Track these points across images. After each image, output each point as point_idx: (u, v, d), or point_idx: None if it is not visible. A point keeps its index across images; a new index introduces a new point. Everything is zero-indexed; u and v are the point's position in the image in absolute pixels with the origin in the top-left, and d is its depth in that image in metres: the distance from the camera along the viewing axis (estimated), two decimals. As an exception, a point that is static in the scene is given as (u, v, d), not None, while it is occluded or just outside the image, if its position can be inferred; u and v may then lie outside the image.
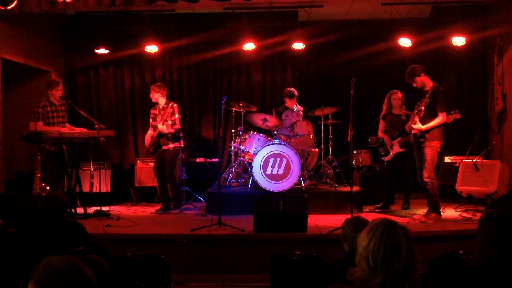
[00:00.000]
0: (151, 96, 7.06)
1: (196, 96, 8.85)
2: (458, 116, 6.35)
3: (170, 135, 6.89)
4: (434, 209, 5.98)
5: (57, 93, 6.72)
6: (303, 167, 7.04)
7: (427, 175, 5.92)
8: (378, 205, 7.00)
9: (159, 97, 6.98)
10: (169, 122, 6.88)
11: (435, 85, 5.97)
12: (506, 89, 7.62)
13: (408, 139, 6.40)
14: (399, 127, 6.71)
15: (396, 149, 6.72)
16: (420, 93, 6.16)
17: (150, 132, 7.01)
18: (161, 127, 6.81)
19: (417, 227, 5.66)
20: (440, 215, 6.02)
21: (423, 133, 5.94)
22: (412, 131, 6.03)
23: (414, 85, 6.08)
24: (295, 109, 7.65)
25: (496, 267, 2.50)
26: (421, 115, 5.89)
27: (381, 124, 7.07)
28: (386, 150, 6.87)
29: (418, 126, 5.89)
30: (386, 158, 6.90)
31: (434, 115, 5.89)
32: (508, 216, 2.65)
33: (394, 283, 1.84)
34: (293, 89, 7.68)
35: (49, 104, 6.67)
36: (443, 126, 6.07)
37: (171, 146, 6.95)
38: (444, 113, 5.89)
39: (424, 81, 6.02)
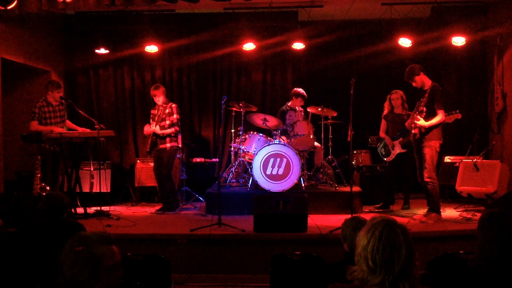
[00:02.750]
0: (157, 100, 6.99)
1: (196, 96, 8.85)
2: (459, 116, 6.31)
3: (163, 135, 6.90)
4: (434, 209, 5.98)
5: (58, 94, 6.72)
6: (303, 167, 7.04)
7: (428, 175, 5.92)
8: (378, 205, 7.00)
9: (163, 98, 7.00)
10: (167, 122, 6.88)
11: (433, 84, 5.98)
12: (506, 89, 7.62)
13: (409, 139, 6.39)
14: (400, 127, 6.70)
15: (398, 149, 6.71)
16: (420, 93, 6.16)
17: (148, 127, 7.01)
18: (154, 128, 6.84)
19: (417, 227, 5.66)
20: (440, 215, 6.02)
21: (422, 133, 5.94)
22: (413, 131, 6.02)
23: (414, 84, 6.08)
24: (297, 109, 7.65)
25: (496, 266, 2.50)
26: (423, 116, 5.87)
27: (383, 124, 7.06)
28: (388, 151, 6.86)
29: (422, 122, 5.86)
30: (388, 159, 6.88)
31: (433, 114, 5.89)
32: (508, 216, 2.66)
33: (393, 283, 1.84)
34: (302, 91, 7.63)
35: (47, 105, 6.66)
36: (442, 125, 6.06)
37: (168, 145, 6.95)
38: (443, 111, 5.89)
39: (423, 81, 6.02)
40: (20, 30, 7.53)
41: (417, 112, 5.95)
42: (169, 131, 6.90)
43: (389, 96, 7.00)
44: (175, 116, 6.92)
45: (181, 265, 5.15)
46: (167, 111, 6.91)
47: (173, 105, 6.99)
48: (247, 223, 5.67)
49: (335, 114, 7.40)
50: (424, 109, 5.88)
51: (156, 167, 7.07)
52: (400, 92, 6.91)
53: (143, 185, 8.03)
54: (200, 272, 5.23)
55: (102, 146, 6.80)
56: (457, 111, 6.32)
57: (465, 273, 2.59)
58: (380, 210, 6.89)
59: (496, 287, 2.48)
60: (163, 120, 6.87)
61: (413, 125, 6.00)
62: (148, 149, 7.05)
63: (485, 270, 2.52)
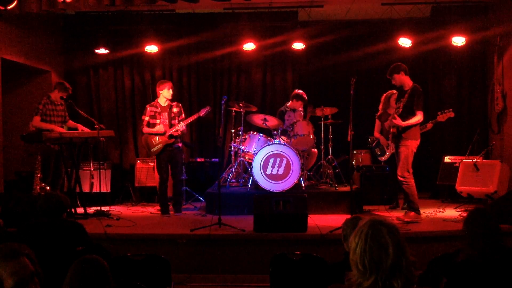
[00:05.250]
0: (167, 94, 6.74)
1: (196, 96, 8.85)
2: (452, 114, 6.37)
3: (182, 133, 6.81)
4: (412, 208, 5.95)
5: (60, 95, 6.73)
6: (303, 167, 7.04)
7: (400, 173, 5.91)
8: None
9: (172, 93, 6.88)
10: (176, 121, 6.79)
11: (414, 85, 5.95)
12: (506, 89, 7.62)
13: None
14: None
15: (392, 149, 6.71)
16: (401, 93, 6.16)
17: (158, 127, 6.67)
18: (183, 127, 6.69)
19: (417, 227, 5.66)
20: (419, 214, 5.98)
21: (400, 132, 5.93)
22: (391, 130, 6.02)
23: (393, 81, 6.07)
24: (297, 110, 7.65)
25: (482, 259, 2.55)
26: (399, 112, 5.84)
27: (377, 124, 7.08)
28: (383, 150, 6.88)
29: (398, 121, 5.84)
30: (383, 158, 6.91)
31: (412, 114, 5.86)
32: (490, 212, 2.77)
33: (386, 282, 1.84)
34: (303, 93, 7.63)
35: (50, 102, 6.69)
36: (419, 125, 6.07)
37: (180, 144, 6.88)
38: (421, 112, 5.86)
39: (403, 80, 5.99)
40: (20, 30, 7.53)
41: (393, 110, 5.94)
42: (185, 129, 6.85)
43: (385, 96, 7.01)
44: (183, 115, 6.90)
45: (181, 265, 5.15)
46: (174, 110, 6.80)
47: (179, 104, 6.96)
48: (247, 223, 5.67)
49: (336, 110, 7.40)
50: (401, 105, 5.85)
51: (164, 166, 6.75)
52: (396, 93, 6.93)
53: (143, 185, 8.03)
54: (200, 272, 5.23)
55: (102, 146, 6.79)
56: (450, 110, 6.36)
57: (453, 267, 2.63)
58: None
59: (483, 279, 2.52)
60: (173, 118, 6.79)
61: (391, 125, 6.00)
62: (160, 149, 6.65)
63: (476, 261, 2.56)
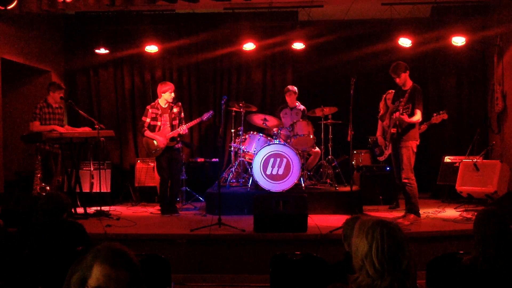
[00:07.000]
0: (169, 96, 6.72)
1: (196, 96, 8.85)
2: (445, 116, 6.37)
3: (184, 133, 6.83)
4: (412, 210, 5.93)
5: (59, 95, 6.69)
6: (303, 167, 7.05)
7: (405, 175, 5.87)
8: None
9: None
10: (177, 122, 6.79)
11: (414, 85, 5.93)
12: (506, 89, 7.62)
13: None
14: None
15: (390, 149, 6.72)
16: (398, 92, 6.14)
17: (158, 137, 6.67)
18: (185, 130, 6.72)
19: (417, 227, 5.65)
20: (419, 216, 5.97)
21: (400, 133, 5.91)
22: (391, 131, 6.00)
23: (397, 79, 5.97)
24: (294, 108, 7.66)
25: (492, 263, 2.51)
26: (408, 112, 5.81)
27: (380, 125, 7.06)
28: (381, 150, 6.88)
29: (405, 117, 5.77)
30: (381, 158, 6.91)
31: (412, 114, 5.83)
32: (503, 213, 2.69)
33: (401, 281, 1.83)
34: (290, 86, 7.71)
35: (47, 106, 6.64)
36: (420, 126, 6.10)
37: (179, 145, 6.91)
38: (420, 111, 5.83)
39: (407, 79, 5.96)
40: (20, 30, 7.53)
41: (400, 108, 5.87)
42: (186, 132, 6.85)
43: (384, 96, 7.01)
44: (183, 115, 6.90)
45: (181, 265, 5.15)
46: (175, 110, 6.79)
47: (179, 103, 6.96)
48: (247, 223, 5.67)
49: (336, 110, 7.41)
50: (407, 104, 5.81)
51: (165, 166, 6.74)
52: (393, 92, 6.91)
53: (143, 185, 8.02)
54: (200, 272, 5.23)
55: (102, 146, 6.78)
56: (444, 111, 6.34)
57: (461, 270, 2.59)
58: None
59: (493, 284, 2.49)
60: (174, 119, 6.77)
61: (391, 125, 5.98)
62: (161, 151, 6.65)
63: (482, 267, 2.52)
